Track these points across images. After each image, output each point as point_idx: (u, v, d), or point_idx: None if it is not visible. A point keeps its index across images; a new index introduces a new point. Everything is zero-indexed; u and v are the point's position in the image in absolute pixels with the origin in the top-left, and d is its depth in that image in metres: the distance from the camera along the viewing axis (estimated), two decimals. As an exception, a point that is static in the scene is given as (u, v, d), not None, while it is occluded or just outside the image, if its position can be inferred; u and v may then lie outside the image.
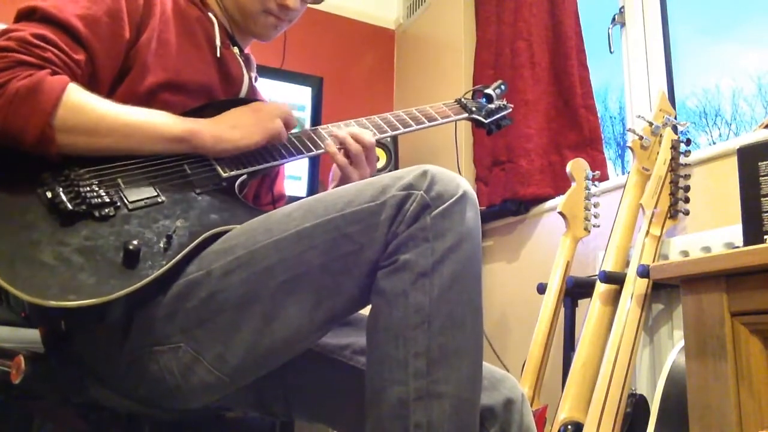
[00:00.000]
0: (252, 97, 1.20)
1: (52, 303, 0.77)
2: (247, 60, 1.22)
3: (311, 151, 1.12)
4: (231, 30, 1.19)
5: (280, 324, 0.85)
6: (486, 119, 1.37)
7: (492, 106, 1.39)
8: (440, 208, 0.82)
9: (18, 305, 0.79)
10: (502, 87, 1.42)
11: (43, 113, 0.87)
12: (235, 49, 1.19)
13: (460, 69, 2.60)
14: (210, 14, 1.15)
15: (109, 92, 1.00)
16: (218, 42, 1.13)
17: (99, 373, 0.92)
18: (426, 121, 1.26)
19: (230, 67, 1.15)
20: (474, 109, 1.36)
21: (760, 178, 1.09)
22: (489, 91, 1.40)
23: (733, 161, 1.15)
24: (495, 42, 2.44)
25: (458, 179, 0.86)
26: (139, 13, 1.04)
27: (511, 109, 1.43)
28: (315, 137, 1.14)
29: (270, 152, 1.08)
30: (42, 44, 0.91)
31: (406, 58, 3.10)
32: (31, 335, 1.04)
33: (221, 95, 1.12)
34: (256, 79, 1.27)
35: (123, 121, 0.94)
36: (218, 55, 1.12)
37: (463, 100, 1.38)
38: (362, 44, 3.07)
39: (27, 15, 0.96)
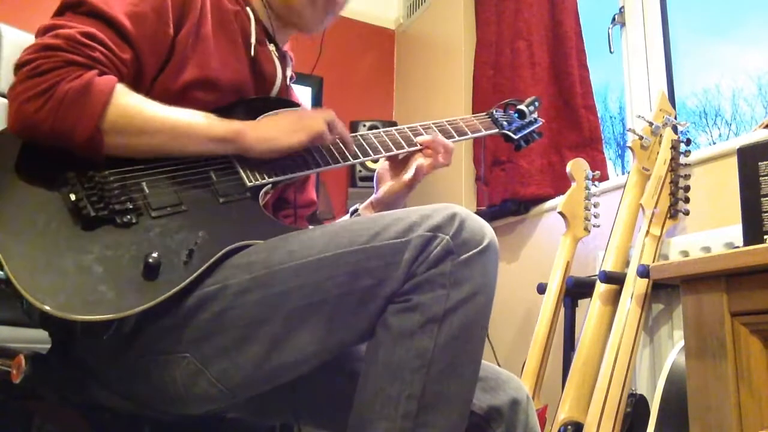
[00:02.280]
0: (284, 96, 1.18)
1: (71, 316, 0.77)
2: (283, 58, 1.19)
3: (338, 162, 1.09)
4: (271, 26, 1.16)
5: (289, 348, 0.84)
6: (515, 135, 1.35)
7: (523, 121, 1.37)
8: (464, 256, 0.82)
9: (34, 310, 0.79)
10: (536, 104, 1.39)
11: (92, 116, 0.86)
12: (272, 47, 1.16)
13: (460, 69, 2.60)
14: (248, 9, 1.12)
15: (148, 89, 0.99)
16: (253, 39, 1.10)
17: (101, 374, 0.92)
18: (456, 135, 1.24)
19: (264, 65, 1.13)
20: (505, 123, 1.34)
21: (760, 178, 1.09)
22: (522, 107, 1.37)
23: (733, 161, 1.15)
24: (495, 42, 2.44)
25: (485, 228, 0.85)
26: (180, 7, 1.02)
27: (542, 123, 1.41)
28: (343, 147, 1.11)
29: (296, 161, 1.06)
30: (90, 43, 0.90)
31: (406, 58, 3.10)
32: (32, 335, 1.04)
33: (252, 94, 1.10)
34: (292, 78, 1.24)
35: (170, 123, 0.93)
36: (252, 53, 1.10)
37: (495, 113, 1.35)
38: (362, 44, 3.07)
39: (74, 6, 0.94)
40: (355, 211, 1.21)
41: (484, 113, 1.35)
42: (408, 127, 1.20)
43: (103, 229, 0.85)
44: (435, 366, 0.80)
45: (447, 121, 1.25)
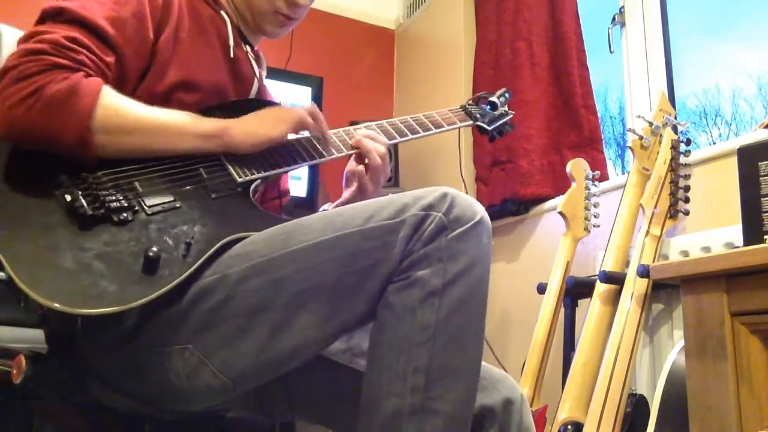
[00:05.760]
0: (261, 97, 1.21)
1: (77, 311, 0.78)
2: (257, 58, 1.23)
3: (323, 156, 1.12)
4: (243, 28, 1.19)
5: (290, 334, 0.85)
6: (489, 126, 1.40)
7: (496, 113, 1.42)
8: (457, 231, 0.84)
9: (36, 306, 0.80)
10: (506, 95, 1.45)
11: (81, 116, 0.88)
12: (247, 48, 1.19)
13: (460, 69, 2.60)
14: (222, 13, 1.15)
15: (132, 93, 1.00)
16: (231, 42, 1.13)
17: (101, 372, 0.92)
18: (432, 127, 1.29)
19: (242, 67, 1.16)
20: (478, 116, 1.39)
21: (760, 178, 1.09)
22: (494, 98, 1.42)
23: (733, 161, 1.15)
24: (495, 42, 2.44)
25: (476, 205, 0.87)
26: (159, 13, 1.04)
27: (512, 116, 1.46)
28: (327, 142, 1.14)
29: (283, 157, 1.08)
30: (75, 47, 0.92)
31: (406, 58, 3.10)
32: (32, 335, 1.05)
33: (232, 95, 1.13)
34: (265, 77, 1.28)
35: (158, 121, 0.95)
36: (231, 55, 1.13)
37: (468, 106, 1.40)
38: (362, 44, 3.07)
39: (54, 15, 0.95)
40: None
41: (458, 106, 1.40)
42: (387, 122, 1.24)
43: (100, 228, 0.86)
44: (439, 338, 0.81)
45: (424, 115, 1.30)
